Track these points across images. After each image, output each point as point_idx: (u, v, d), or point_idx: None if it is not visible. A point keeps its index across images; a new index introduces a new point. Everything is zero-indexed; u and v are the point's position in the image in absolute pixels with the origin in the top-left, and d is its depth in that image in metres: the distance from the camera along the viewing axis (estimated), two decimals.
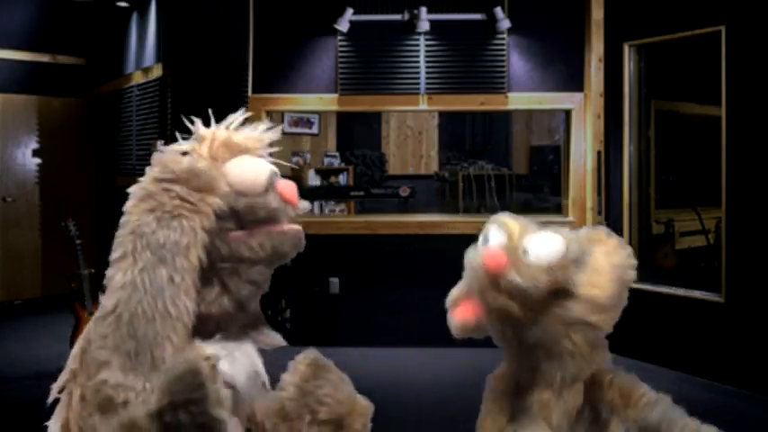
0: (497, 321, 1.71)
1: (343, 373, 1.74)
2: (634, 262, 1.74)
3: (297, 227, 1.67)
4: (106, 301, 1.50)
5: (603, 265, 1.68)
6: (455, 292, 1.77)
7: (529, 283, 1.61)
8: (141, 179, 1.60)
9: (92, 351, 1.50)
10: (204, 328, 1.58)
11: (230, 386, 1.55)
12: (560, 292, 1.65)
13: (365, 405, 1.74)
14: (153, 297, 1.44)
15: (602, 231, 1.79)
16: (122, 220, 1.55)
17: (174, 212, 1.49)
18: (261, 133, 1.75)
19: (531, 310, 1.65)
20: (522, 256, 1.63)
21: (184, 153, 1.67)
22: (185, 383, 1.28)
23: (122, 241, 1.51)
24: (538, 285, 1.61)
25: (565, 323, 1.66)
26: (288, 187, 1.66)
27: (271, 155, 1.77)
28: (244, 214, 1.59)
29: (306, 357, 1.70)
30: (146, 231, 1.48)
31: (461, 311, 1.74)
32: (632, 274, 1.74)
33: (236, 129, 1.72)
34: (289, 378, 1.67)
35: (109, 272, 1.53)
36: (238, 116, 1.74)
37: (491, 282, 1.64)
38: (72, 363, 1.59)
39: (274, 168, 1.69)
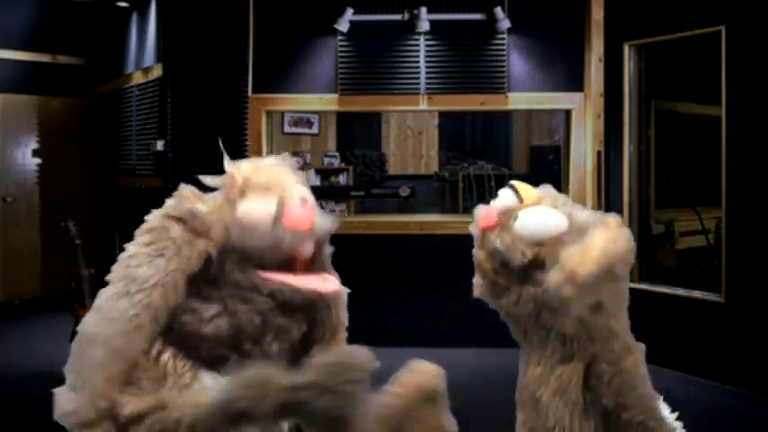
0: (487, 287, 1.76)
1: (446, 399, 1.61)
2: (628, 253, 1.65)
3: (313, 285, 1.56)
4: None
5: (596, 245, 1.61)
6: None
7: (505, 250, 1.63)
8: (155, 211, 1.59)
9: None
10: (196, 346, 1.56)
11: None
12: (539, 270, 1.63)
13: None
14: (106, 324, 1.48)
15: (612, 217, 1.73)
16: (128, 245, 1.58)
17: (161, 251, 1.51)
18: (282, 168, 1.67)
19: (506, 277, 1.67)
20: (510, 223, 1.66)
21: (212, 189, 1.64)
22: (342, 372, 1.27)
23: (116, 266, 1.56)
24: (515, 255, 1.62)
25: (537, 300, 1.64)
26: (294, 213, 1.55)
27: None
28: (251, 254, 1.53)
29: (425, 372, 1.58)
30: (131, 263, 1.52)
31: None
32: (623, 263, 1.65)
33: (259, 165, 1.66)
34: (403, 387, 1.55)
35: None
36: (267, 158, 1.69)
37: (479, 238, 1.74)
38: None
39: (285, 199, 1.58)
